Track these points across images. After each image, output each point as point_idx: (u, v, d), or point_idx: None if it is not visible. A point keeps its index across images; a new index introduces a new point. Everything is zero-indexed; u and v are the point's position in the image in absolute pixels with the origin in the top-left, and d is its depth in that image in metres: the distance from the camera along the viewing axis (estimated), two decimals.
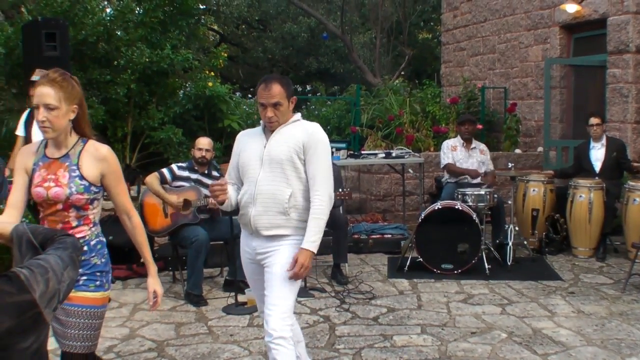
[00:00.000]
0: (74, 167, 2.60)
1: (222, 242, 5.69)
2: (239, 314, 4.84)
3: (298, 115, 3.15)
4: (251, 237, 3.12)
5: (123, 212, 2.75)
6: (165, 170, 5.50)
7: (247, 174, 3.09)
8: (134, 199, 7.03)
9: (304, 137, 3.03)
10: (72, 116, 2.58)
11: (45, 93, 2.50)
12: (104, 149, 2.67)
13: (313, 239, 3.01)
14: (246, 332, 4.50)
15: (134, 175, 7.40)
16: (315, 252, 3.04)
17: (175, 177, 5.49)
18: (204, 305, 5.12)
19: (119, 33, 8.26)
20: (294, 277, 2.99)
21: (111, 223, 5.55)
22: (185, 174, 5.54)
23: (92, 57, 7.98)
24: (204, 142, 5.58)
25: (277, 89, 3.00)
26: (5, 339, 1.39)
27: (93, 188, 2.62)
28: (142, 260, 6.51)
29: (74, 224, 2.60)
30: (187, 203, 5.33)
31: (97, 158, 2.63)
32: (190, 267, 5.20)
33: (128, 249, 5.64)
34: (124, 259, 5.90)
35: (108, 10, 9.05)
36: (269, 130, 3.10)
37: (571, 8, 8.55)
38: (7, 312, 1.40)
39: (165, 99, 8.79)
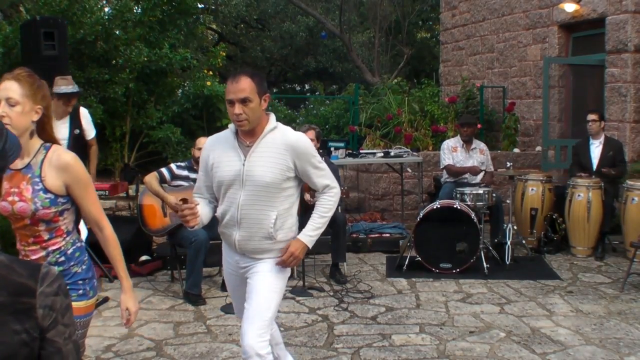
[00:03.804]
0: (37, 180, 2.41)
1: (220, 242, 5.68)
2: None
3: (273, 119, 2.88)
4: (233, 250, 3.00)
5: (93, 223, 2.53)
6: (164, 170, 5.49)
7: (226, 193, 2.88)
8: (132, 199, 7.05)
9: (290, 153, 2.82)
10: (35, 117, 2.41)
11: (8, 87, 2.37)
12: (67, 156, 2.46)
13: (311, 234, 2.92)
14: None
15: (132, 175, 7.39)
16: (310, 247, 2.94)
17: (174, 177, 5.48)
18: (203, 304, 5.11)
19: (117, 32, 8.26)
20: (281, 264, 2.88)
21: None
22: (184, 173, 5.53)
23: (90, 56, 7.97)
24: (204, 142, 5.57)
25: (245, 83, 2.74)
26: None
27: (60, 200, 2.43)
28: (140, 259, 6.46)
29: (46, 237, 2.45)
30: (185, 202, 5.32)
31: (59, 167, 2.42)
32: (189, 267, 5.20)
33: (126, 248, 5.62)
34: None
35: (106, 9, 9.04)
36: (242, 141, 2.87)
37: (570, 7, 8.56)
38: (6, 287, 1.43)
39: (164, 98, 8.79)
